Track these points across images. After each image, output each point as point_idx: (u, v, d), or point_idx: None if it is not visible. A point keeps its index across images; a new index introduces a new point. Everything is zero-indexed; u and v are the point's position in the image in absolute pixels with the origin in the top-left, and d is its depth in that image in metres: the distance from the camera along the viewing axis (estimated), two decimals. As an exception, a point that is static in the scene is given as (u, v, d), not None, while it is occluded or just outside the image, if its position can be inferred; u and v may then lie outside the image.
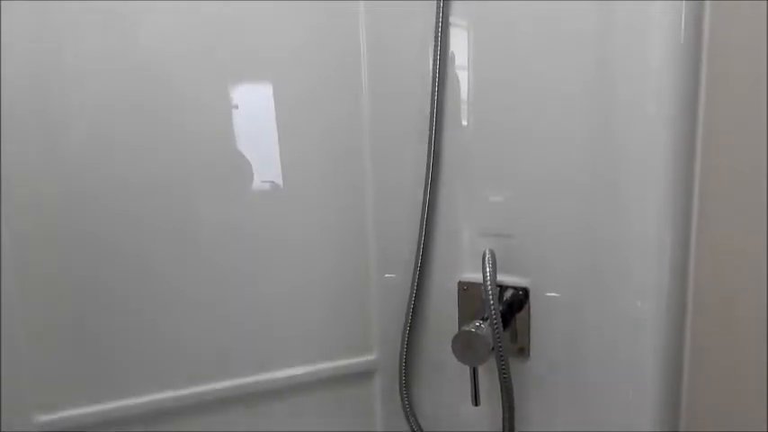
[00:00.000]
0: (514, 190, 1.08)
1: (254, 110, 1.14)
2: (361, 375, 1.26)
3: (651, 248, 0.95)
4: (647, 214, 0.95)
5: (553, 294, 1.06)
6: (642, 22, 0.91)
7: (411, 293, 1.17)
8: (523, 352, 1.10)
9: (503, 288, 1.08)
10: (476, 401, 1.06)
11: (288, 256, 1.19)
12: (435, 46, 1.11)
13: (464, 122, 1.13)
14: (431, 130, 1.13)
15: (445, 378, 1.20)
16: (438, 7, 1.09)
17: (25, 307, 1.06)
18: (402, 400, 1.20)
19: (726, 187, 0.89)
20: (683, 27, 0.88)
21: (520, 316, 1.09)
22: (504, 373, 0.99)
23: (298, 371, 1.21)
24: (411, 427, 1.20)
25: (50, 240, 1.07)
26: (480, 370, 1.06)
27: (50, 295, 1.08)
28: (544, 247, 1.06)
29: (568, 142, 1.02)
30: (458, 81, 1.13)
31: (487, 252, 1.00)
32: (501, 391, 1.01)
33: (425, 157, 1.15)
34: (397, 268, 1.22)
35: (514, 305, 1.08)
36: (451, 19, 1.11)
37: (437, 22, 1.10)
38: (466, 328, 1.00)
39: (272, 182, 1.18)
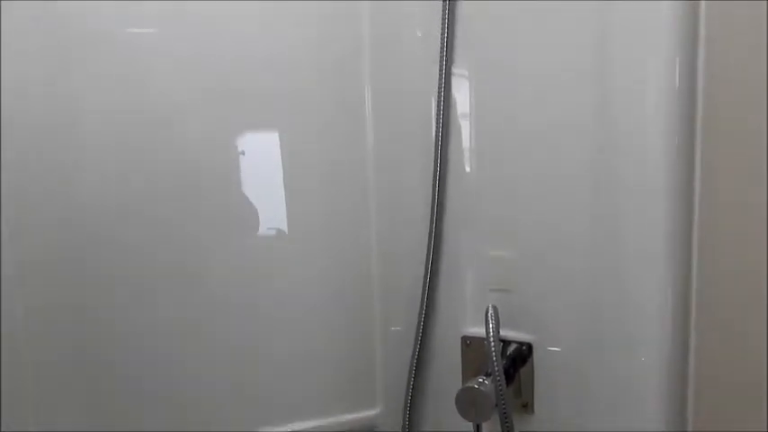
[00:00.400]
0: (516, 244, 1.09)
1: (259, 157, 1.16)
2: (365, 431, 1.25)
3: (653, 302, 0.95)
4: (649, 267, 0.95)
5: (556, 349, 1.06)
6: (639, 73, 0.93)
7: (415, 348, 1.17)
8: (527, 407, 1.09)
9: (506, 343, 1.08)
10: (480, 458, 1.05)
11: (291, 306, 1.19)
12: (439, 93, 1.13)
13: (467, 169, 1.14)
14: (435, 178, 1.14)
15: (449, 434, 1.19)
16: (441, 56, 1.11)
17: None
18: (406, 455, 1.19)
19: (724, 242, 0.90)
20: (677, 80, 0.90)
21: (524, 370, 1.08)
22: (508, 430, 0.98)
23: (299, 426, 1.19)
24: (415, 483, 1.19)
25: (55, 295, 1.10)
26: (484, 426, 1.05)
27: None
28: (547, 302, 1.06)
29: (570, 195, 1.03)
30: (460, 128, 1.14)
31: (490, 308, 1.01)
32: (505, 448, 1.00)
33: (429, 208, 1.15)
34: (401, 321, 1.22)
35: (518, 360, 1.07)
36: (454, 69, 1.13)
37: (441, 69, 1.12)
38: (469, 384, 0.99)
39: (278, 229, 1.18)
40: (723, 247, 0.91)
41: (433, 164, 1.14)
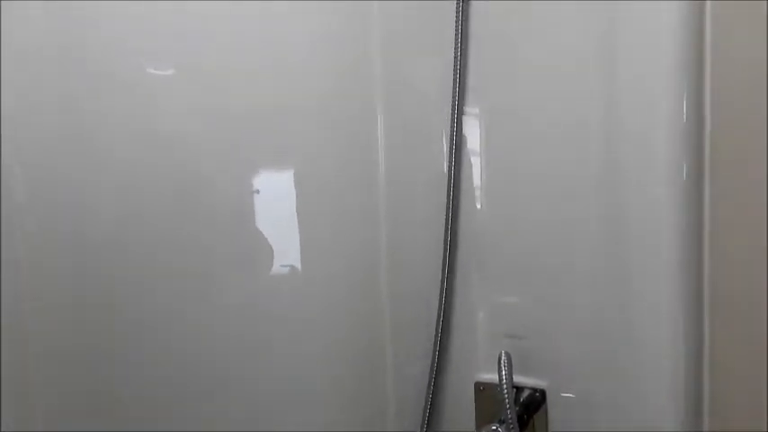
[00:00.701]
0: (528, 288, 1.09)
1: (274, 195, 1.17)
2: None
3: (666, 345, 0.95)
4: (661, 314, 0.95)
5: (570, 395, 1.05)
6: (647, 114, 0.93)
7: (428, 394, 1.16)
8: (541, 454, 1.08)
9: (519, 389, 1.07)
10: (494, 506, 1.04)
11: (302, 344, 1.18)
12: (451, 131, 1.13)
13: (478, 206, 1.14)
14: (447, 213, 1.13)
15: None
16: (453, 96, 1.12)
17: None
18: (418, 501, 1.18)
19: (733, 291, 0.91)
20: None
21: (537, 416, 1.07)
22: (522, 479, 0.98)
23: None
24: None
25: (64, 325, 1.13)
26: (498, 473, 1.04)
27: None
28: (560, 348, 1.06)
29: (581, 235, 1.03)
30: (471, 166, 1.14)
31: (503, 355, 1.00)
32: (519, 496, 0.99)
33: (440, 246, 1.15)
34: (414, 366, 1.20)
35: (531, 406, 1.07)
36: (465, 108, 1.14)
37: (453, 109, 1.12)
38: (483, 431, 1.00)
39: (292, 266, 1.18)
40: (732, 293, 0.91)
41: (444, 201, 1.14)
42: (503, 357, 1.00)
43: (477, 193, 1.14)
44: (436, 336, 1.14)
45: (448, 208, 1.13)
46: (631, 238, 0.96)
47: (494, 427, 0.99)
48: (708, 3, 0.88)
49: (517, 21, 1.06)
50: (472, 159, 1.14)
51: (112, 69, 1.10)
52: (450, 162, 1.13)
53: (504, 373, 0.99)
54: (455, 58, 1.10)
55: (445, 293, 1.14)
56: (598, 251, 1.01)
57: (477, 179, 1.14)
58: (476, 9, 1.09)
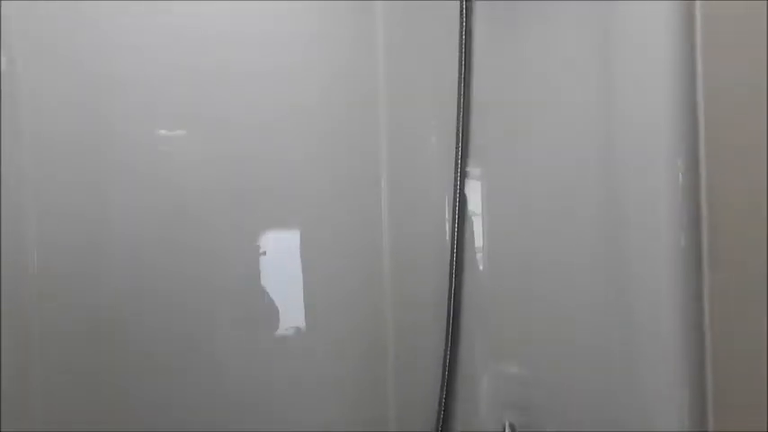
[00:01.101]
0: (531, 355, 1.08)
1: (281, 257, 1.20)
2: None
3: (671, 417, 0.91)
4: (666, 382, 0.90)
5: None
6: (643, 158, 0.90)
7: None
8: None
9: (524, 460, 1.05)
10: None
11: (305, 407, 1.19)
12: (454, 194, 1.14)
13: (480, 267, 1.14)
14: (450, 279, 1.14)
15: None
16: (456, 159, 1.14)
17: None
18: None
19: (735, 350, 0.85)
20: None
21: (542, 486, 1.05)
22: None
23: None
24: None
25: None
26: None
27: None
28: (565, 421, 1.03)
29: (583, 299, 1.01)
30: (473, 228, 1.15)
31: (507, 427, 1.00)
32: None
33: (445, 308, 1.14)
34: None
35: (536, 477, 1.04)
36: (468, 168, 1.15)
37: (455, 171, 1.14)
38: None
39: (297, 327, 1.20)
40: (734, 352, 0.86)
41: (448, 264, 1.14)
42: (507, 430, 1.00)
43: (480, 255, 1.14)
44: (439, 409, 1.13)
45: (451, 275, 1.14)
46: (637, 302, 0.94)
47: (498, 501, 0.97)
48: (697, 3, 0.86)
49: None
50: (474, 221, 1.15)
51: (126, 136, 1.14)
52: (452, 226, 1.14)
53: (507, 445, 0.98)
54: (458, 112, 1.12)
55: (448, 367, 1.13)
56: (602, 316, 0.99)
57: (479, 241, 1.14)
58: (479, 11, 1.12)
